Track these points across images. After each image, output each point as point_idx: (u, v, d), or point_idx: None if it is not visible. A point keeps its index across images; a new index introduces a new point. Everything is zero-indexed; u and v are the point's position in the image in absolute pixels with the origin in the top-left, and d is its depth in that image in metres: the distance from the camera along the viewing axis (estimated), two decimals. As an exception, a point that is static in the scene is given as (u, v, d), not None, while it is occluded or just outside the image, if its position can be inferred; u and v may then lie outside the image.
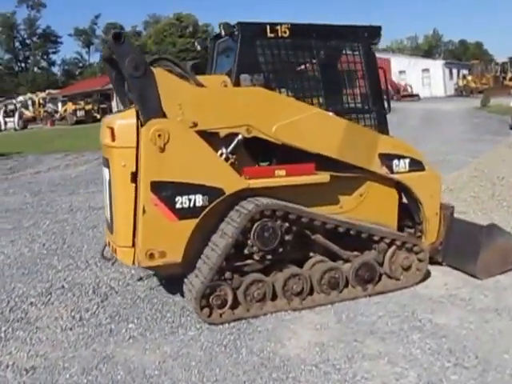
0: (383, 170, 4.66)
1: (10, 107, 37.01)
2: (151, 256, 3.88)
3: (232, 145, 4.10)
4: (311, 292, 4.34)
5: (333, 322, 3.99)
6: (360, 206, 4.74)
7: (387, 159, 4.65)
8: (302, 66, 4.65)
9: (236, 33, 4.27)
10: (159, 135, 3.76)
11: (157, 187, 3.82)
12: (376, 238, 4.44)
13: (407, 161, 4.75)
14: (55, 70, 76.96)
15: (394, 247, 4.55)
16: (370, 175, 4.68)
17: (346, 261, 4.50)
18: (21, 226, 7.46)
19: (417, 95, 41.39)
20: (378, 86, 4.84)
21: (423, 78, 49.28)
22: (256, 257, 4.10)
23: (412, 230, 5.09)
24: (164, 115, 3.85)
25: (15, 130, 34.87)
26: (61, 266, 5.49)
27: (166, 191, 3.84)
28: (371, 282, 4.49)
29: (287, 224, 4.12)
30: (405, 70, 49.19)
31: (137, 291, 4.71)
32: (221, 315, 4.03)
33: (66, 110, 38.62)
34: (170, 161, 3.84)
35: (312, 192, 4.45)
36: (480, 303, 4.22)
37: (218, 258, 3.92)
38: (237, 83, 4.25)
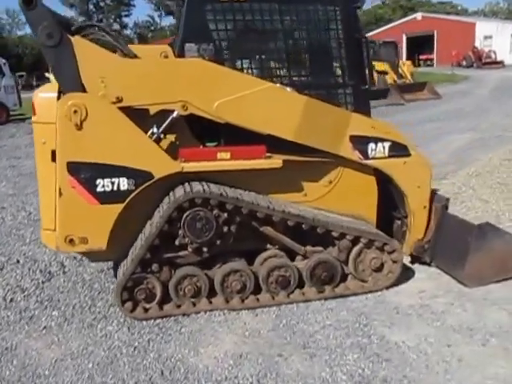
0: (355, 155, 3.97)
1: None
2: (71, 241, 3.55)
3: (165, 123, 3.61)
4: (259, 291, 3.86)
5: (266, 329, 3.49)
6: (329, 195, 4.12)
7: (360, 142, 3.96)
8: (263, 35, 3.97)
9: (182, -5, 3.72)
10: (75, 111, 3.36)
11: (74, 168, 3.45)
12: (335, 234, 3.82)
13: (387, 145, 4.02)
14: (127, 32, 78.50)
15: (360, 245, 3.91)
16: (340, 160, 4.03)
17: (305, 257, 3.95)
18: (20, 193, 7.47)
19: (501, 62, 38.02)
20: (358, 57, 4.07)
21: (512, 43, 45.02)
22: (190, 249, 3.66)
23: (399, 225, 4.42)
24: (84, 89, 3.44)
25: None
26: (30, 239, 5.34)
27: (84, 173, 3.46)
28: (330, 284, 3.91)
29: (226, 214, 3.62)
30: (491, 35, 45.19)
31: (85, 273, 4.45)
32: (146, 310, 3.66)
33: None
34: (89, 140, 3.43)
35: (270, 178, 3.89)
36: (453, 319, 3.52)
37: (141, 248, 3.53)
38: (181, 54, 3.74)
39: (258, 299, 3.81)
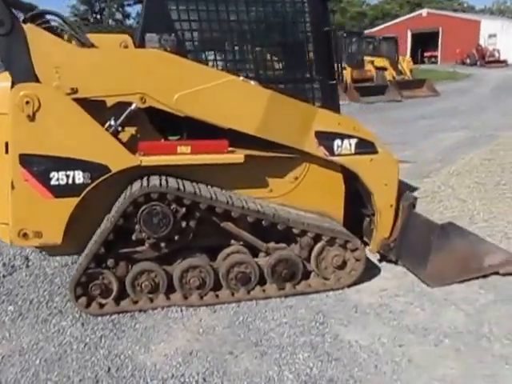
0: (320, 152, 3.91)
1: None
2: (25, 235, 3.50)
3: (123, 116, 3.56)
4: (220, 287, 3.81)
5: (222, 326, 3.44)
6: (295, 192, 4.06)
7: (326, 138, 3.90)
8: (227, 26, 3.88)
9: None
10: (27, 102, 3.30)
11: (27, 161, 3.40)
12: (296, 231, 3.77)
13: (354, 141, 3.95)
14: (130, 22, 77.88)
15: (322, 242, 3.86)
16: (306, 156, 3.97)
17: (267, 254, 3.90)
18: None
19: (504, 61, 37.75)
20: (327, 50, 3.98)
21: (516, 42, 44.58)
22: (147, 244, 3.62)
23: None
24: (38, 79, 3.39)
25: None
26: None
27: (38, 165, 3.41)
28: (291, 281, 3.86)
29: (184, 209, 3.57)
30: (495, 34, 44.80)
31: (48, 267, 4.40)
32: (102, 306, 3.62)
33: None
34: (42, 132, 3.38)
35: (234, 173, 3.85)
36: (410, 319, 3.47)
37: (95, 243, 3.49)
38: (141, 44, 3.68)
39: (217, 296, 3.77)
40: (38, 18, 3.57)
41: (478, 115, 13.91)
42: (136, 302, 3.67)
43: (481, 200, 5.55)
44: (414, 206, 4.24)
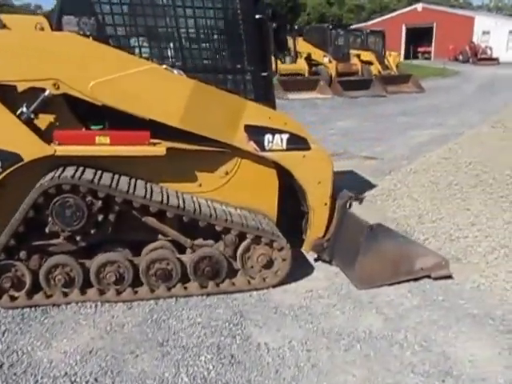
0: (250, 146, 3.78)
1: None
2: None
3: (36, 103, 3.41)
4: (140, 283, 3.70)
5: (132, 324, 3.33)
6: (226, 187, 3.94)
7: (256, 133, 3.77)
8: (152, 11, 3.73)
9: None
10: None
11: None
12: (219, 228, 3.65)
13: (285, 137, 3.83)
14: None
15: (248, 241, 3.75)
16: (237, 150, 3.84)
17: (193, 250, 3.79)
18: None
19: (496, 59, 37.65)
20: (259, 40, 3.84)
21: (509, 40, 44.47)
22: (62, 237, 3.49)
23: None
24: None
25: None
26: None
27: None
28: (214, 279, 3.75)
29: (100, 202, 3.44)
30: (489, 31, 44.65)
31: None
32: (14, 299, 3.50)
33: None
34: (-52, 117, 3.24)
35: (162, 166, 3.72)
36: (328, 322, 3.37)
37: (4, 235, 3.36)
38: (59, 27, 3.52)
39: (136, 292, 3.66)
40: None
41: (457, 113, 13.84)
42: (50, 296, 3.55)
43: (432, 200, 5.45)
44: (350, 205, 4.14)
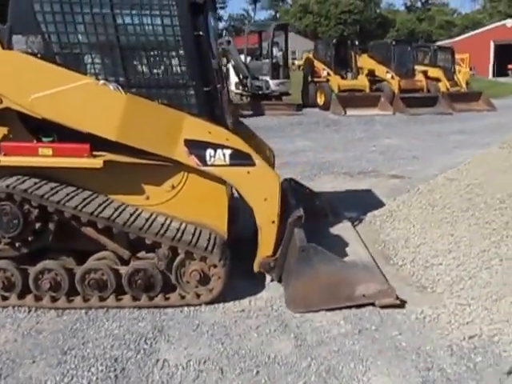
0: (192, 161, 3.78)
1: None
2: None
3: (-18, 116, 3.67)
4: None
5: (50, 331, 3.43)
6: (174, 201, 3.96)
7: (197, 147, 3.76)
8: (94, 28, 3.81)
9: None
10: None
11: None
12: (148, 242, 3.68)
13: (228, 152, 3.78)
14: (222, 25, 79.41)
15: (182, 256, 3.73)
16: (183, 165, 3.86)
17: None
18: None
19: None
20: (199, 55, 3.81)
21: None
22: (2, 243, 3.70)
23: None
24: None
25: None
26: None
27: None
28: (149, 292, 3.77)
29: (36, 211, 3.62)
30: None
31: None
32: (-41, 299, 3.76)
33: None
34: None
35: (109, 178, 3.84)
36: (240, 344, 3.27)
37: None
38: (9, 46, 3.75)
39: (70, 301, 3.77)
40: None
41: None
42: (-11, 299, 3.76)
43: (423, 223, 5.10)
44: (300, 224, 3.98)
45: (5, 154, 3.69)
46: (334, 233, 5.08)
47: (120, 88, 3.64)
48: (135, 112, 3.66)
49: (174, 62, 3.88)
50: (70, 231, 3.78)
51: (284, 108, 16.69)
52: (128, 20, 3.76)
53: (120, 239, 3.79)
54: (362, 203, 6.27)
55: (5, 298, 3.77)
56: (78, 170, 3.78)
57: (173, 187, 3.95)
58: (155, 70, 3.93)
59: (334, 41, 18.88)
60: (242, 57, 17.15)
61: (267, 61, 17.08)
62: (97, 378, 2.91)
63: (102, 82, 3.65)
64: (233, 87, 17.41)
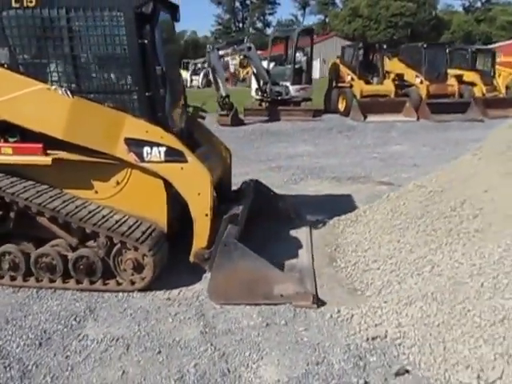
0: (131, 158, 4.17)
1: (199, 66, 39.93)
2: None
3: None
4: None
5: (1, 303, 3.95)
6: (119, 195, 4.38)
7: (136, 145, 4.14)
8: (49, 40, 4.16)
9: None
10: None
11: None
12: (88, 231, 4.10)
13: (163, 149, 4.14)
14: (270, 31, 79.57)
15: (118, 245, 4.13)
16: (126, 162, 4.25)
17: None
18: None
19: None
20: (142, 62, 4.15)
21: None
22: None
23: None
24: None
25: (198, 87, 37.57)
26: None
27: None
28: (91, 277, 4.19)
29: (-5, 201, 4.12)
30: None
31: None
32: None
33: (247, 72, 40.43)
34: None
35: (64, 174, 4.34)
36: (152, 327, 3.64)
37: None
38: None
39: (26, 280, 4.25)
40: None
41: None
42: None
43: (379, 229, 5.18)
44: (235, 222, 4.29)
45: (-26, 154, 4.21)
46: (287, 233, 5.36)
47: (68, 92, 4.07)
48: (80, 113, 4.09)
49: (120, 69, 4.27)
50: (29, 220, 4.25)
51: (300, 114, 16.61)
52: (80, 32, 4.17)
53: (68, 228, 4.22)
54: (334, 207, 6.43)
55: (-31, 277, 4.30)
56: (39, 167, 4.24)
57: (118, 183, 4.36)
58: (103, 77, 4.33)
59: (361, 45, 18.76)
60: (265, 63, 17.35)
61: (289, 66, 17.15)
62: (24, 344, 3.40)
63: (53, 87, 4.09)
64: (253, 93, 17.68)
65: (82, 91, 4.20)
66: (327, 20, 70.91)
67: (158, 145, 4.13)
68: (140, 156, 4.15)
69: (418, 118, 16.48)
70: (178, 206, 4.39)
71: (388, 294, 4.05)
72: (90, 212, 4.20)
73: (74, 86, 4.23)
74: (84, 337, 3.51)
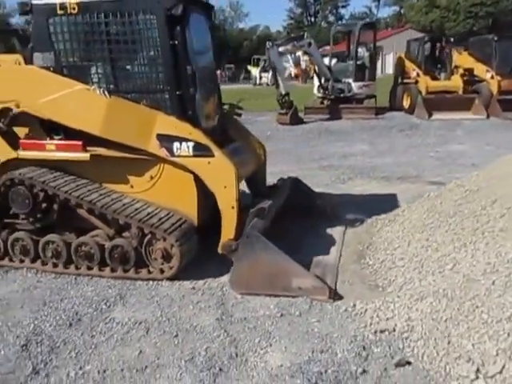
0: (162, 152, 4.45)
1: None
2: None
3: (7, 118, 4.66)
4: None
5: (42, 288, 4.35)
6: (153, 189, 4.69)
7: (166, 140, 4.41)
8: (91, 44, 4.57)
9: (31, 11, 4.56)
10: None
11: None
12: (121, 222, 4.41)
13: (191, 144, 4.38)
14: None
15: (149, 235, 4.40)
16: (159, 158, 4.53)
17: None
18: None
19: None
20: (174, 63, 4.42)
21: None
22: (20, 218, 4.69)
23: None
24: None
25: (267, 85, 35.78)
26: None
27: None
28: (125, 265, 4.49)
29: (43, 194, 4.53)
30: None
31: None
32: (-9, 261, 4.83)
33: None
34: None
35: (103, 169, 4.70)
36: (173, 313, 3.87)
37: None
38: (31, 62, 4.68)
39: (66, 268, 4.63)
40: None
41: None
42: (12, 261, 4.77)
43: (411, 228, 5.14)
44: (262, 215, 4.44)
45: (23, 149, 4.66)
46: (322, 231, 5.44)
47: (106, 92, 4.41)
48: (116, 112, 4.42)
49: (155, 69, 4.56)
50: (71, 212, 4.63)
51: (362, 112, 16.31)
52: (117, 36, 4.51)
53: (105, 220, 4.55)
54: (376, 207, 6.32)
55: (22, 261, 4.75)
56: (79, 163, 4.63)
57: (151, 178, 4.66)
58: (138, 77, 4.66)
59: (427, 38, 18.11)
60: (326, 60, 17.23)
61: (351, 62, 16.92)
62: (56, 324, 3.74)
63: (92, 87, 4.44)
64: (315, 90, 17.60)
65: (120, 91, 4.54)
66: (402, 11, 68.59)
67: (187, 140, 4.36)
68: (170, 151, 4.41)
69: (487, 116, 15.67)
70: (211, 201, 4.59)
71: (408, 291, 4.02)
72: (124, 204, 4.51)
73: (112, 86, 4.58)
74: (111, 320, 3.79)
